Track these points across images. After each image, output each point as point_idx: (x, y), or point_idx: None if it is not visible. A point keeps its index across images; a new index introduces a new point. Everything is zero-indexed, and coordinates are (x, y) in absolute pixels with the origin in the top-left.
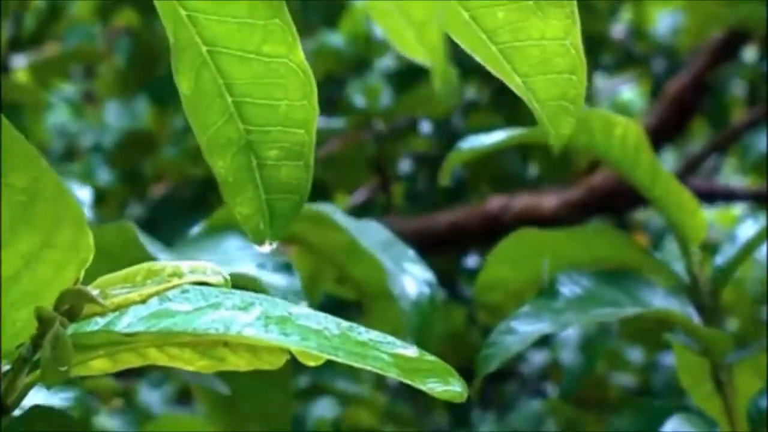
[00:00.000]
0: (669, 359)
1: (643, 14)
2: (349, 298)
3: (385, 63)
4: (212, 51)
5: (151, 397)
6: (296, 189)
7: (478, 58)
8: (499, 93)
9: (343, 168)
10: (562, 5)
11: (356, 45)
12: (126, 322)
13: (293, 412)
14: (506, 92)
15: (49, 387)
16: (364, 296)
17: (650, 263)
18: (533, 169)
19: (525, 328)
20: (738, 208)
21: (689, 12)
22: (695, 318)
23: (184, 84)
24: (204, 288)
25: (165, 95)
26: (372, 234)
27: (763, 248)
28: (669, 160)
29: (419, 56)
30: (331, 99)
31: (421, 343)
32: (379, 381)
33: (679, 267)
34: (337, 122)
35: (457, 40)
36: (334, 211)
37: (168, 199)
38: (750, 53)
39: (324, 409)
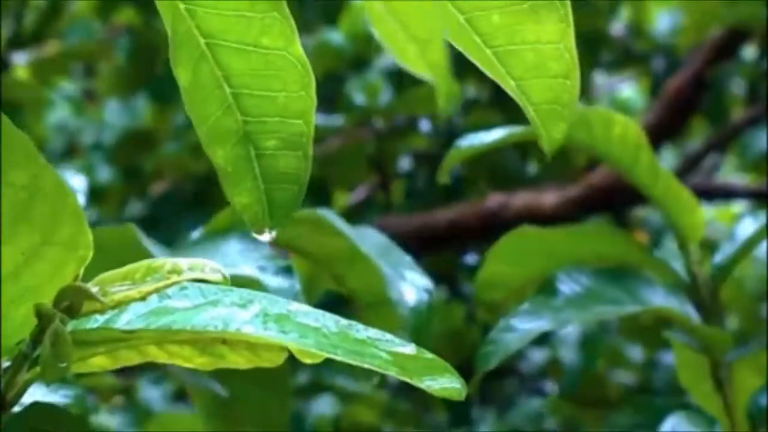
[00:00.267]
0: (669, 357)
1: (643, 12)
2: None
3: (385, 61)
4: (210, 43)
5: (151, 394)
6: (295, 179)
7: (474, 61)
8: (499, 91)
9: (343, 166)
10: (557, 9)
11: (356, 43)
12: (125, 319)
13: (293, 411)
14: (505, 91)
15: (48, 383)
16: (362, 303)
17: (650, 261)
18: (532, 167)
19: (524, 325)
20: (738, 207)
21: (688, 10)
22: (694, 316)
23: (182, 76)
24: (203, 285)
25: (165, 92)
26: (370, 240)
27: (763, 246)
28: (668, 158)
29: (421, 71)
30: (330, 97)
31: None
32: (379, 379)
33: (678, 265)
34: (337, 120)
35: (452, 43)
36: (332, 216)
37: (168, 196)
38: (749, 51)
39: (324, 406)
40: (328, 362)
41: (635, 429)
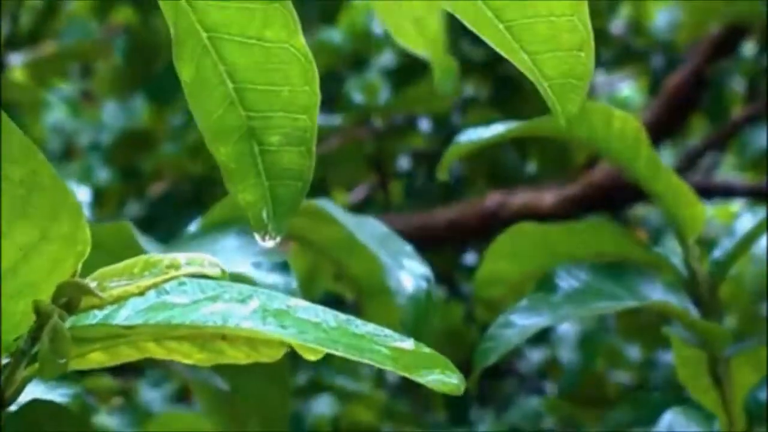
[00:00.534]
0: (667, 357)
1: (642, 10)
2: (347, 296)
3: (384, 60)
4: (213, 37)
5: (150, 395)
6: (299, 175)
7: (484, 38)
8: (498, 90)
9: (342, 165)
10: None
11: (355, 42)
12: (124, 315)
13: (292, 410)
14: (505, 88)
15: (47, 380)
16: (361, 291)
17: (649, 257)
18: (531, 166)
19: (523, 321)
20: (737, 205)
21: (687, 7)
22: (693, 312)
23: (185, 72)
24: (202, 280)
25: (163, 93)
26: (369, 229)
27: (763, 244)
28: (668, 156)
29: (419, 48)
30: (330, 96)
31: (418, 338)
32: (379, 378)
33: (677, 261)
34: (336, 119)
35: (462, 20)
36: (331, 206)
37: (167, 196)
38: (749, 48)
39: (323, 406)
40: (327, 361)
41: (633, 425)
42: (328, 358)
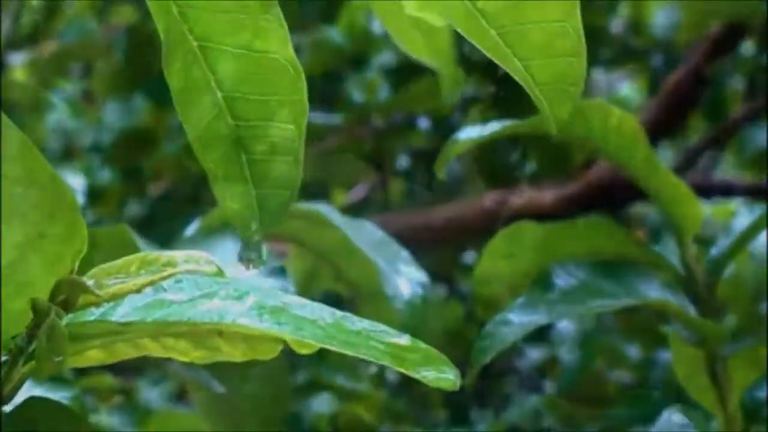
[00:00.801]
0: (666, 356)
1: (642, 9)
2: (346, 296)
3: (384, 58)
4: (203, 46)
5: (150, 394)
6: (286, 184)
7: (475, 43)
8: (498, 89)
9: (342, 164)
10: None
11: (354, 41)
12: (121, 312)
13: (291, 409)
14: (505, 88)
15: (44, 378)
16: (359, 295)
17: (646, 255)
18: (530, 165)
19: (520, 319)
20: (736, 203)
21: (686, 7)
22: (691, 310)
23: (174, 79)
24: (198, 278)
25: (163, 93)
26: (366, 234)
27: (762, 242)
28: (667, 155)
29: (426, 58)
30: (329, 95)
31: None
32: (378, 377)
33: (675, 259)
34: (336, 118)
35: (454, 26)
36: (329, 210)
37: (167, 196)
38: (748, 47)
39: (322, 405)
40: (325, 360)
41: (633, 424)
42: (326, 356)
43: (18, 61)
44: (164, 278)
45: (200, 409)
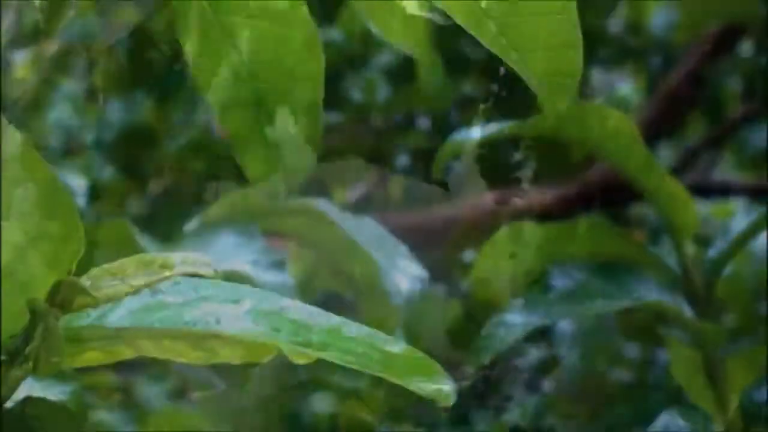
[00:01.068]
0: (667, 356)
1: (640, 9)
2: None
3: (383, 58)
4: (217, 9)
5: (150, 392)
6: (307, 144)
7: (475, 35)
8: (497, 88)
9: (341, 163)
10: None
11: (354, 40)
12: (118, 315)
13: (290, 408)
14: (504, 87)
15: (41, 378)
16: (359, 291)
17: (644, 257)
18: (530, 165)
19: (518, 320)
20: (734, 203)
21: (684, 7)
22: (688, 311)
23: (189, 46)
24: (195, 280)
25: (165, 90)
26: (366, 230)
27: (762, 242)
28: (665, 155)
29: (404, 45)
30: (329, 94)
31: (412, 339)
32: (378, 377)
33: (672, 261)
34: (335, 117)
35: (452, 16)
36: (329, 206)
37: (169, 194)
38: (747, 47)
39: (321, 404)
40: (325, 359)
41: (633, 423)
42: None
43: (20, 59)
44: (161, 280)
45: (201, 408)
